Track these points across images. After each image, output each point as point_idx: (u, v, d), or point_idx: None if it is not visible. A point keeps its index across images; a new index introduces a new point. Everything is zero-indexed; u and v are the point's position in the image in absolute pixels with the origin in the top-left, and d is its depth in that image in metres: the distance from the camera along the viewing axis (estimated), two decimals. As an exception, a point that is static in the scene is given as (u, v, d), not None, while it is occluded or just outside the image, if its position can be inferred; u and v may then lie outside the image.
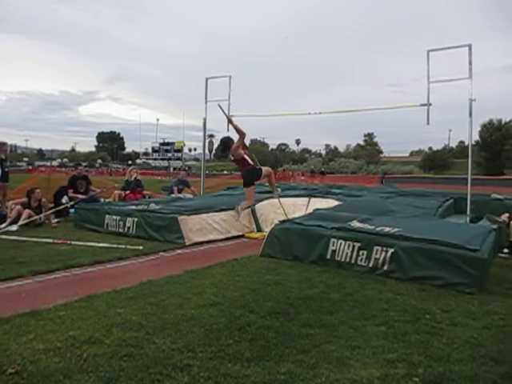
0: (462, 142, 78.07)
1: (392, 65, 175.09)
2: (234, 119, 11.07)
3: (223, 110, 7.27)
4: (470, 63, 8.17)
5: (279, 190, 9.34)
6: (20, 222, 7.97)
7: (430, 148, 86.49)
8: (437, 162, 69.17)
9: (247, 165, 7.34)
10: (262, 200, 8.98)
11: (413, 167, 69.63)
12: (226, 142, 7.50)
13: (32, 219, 8.22)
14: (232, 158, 7.46)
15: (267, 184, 8.74)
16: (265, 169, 7.57)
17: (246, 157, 7.34)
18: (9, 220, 8.00)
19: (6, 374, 2.40)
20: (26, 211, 8.22)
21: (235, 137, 7.26)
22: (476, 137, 59.95)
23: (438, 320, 3.43)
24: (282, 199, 8.70)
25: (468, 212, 8.48)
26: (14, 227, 7.76)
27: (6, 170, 9.53)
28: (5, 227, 7.70)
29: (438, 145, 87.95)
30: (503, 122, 62.19)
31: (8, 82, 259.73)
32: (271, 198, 8.95)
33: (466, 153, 9.00)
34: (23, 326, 3.13)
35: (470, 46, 8.19)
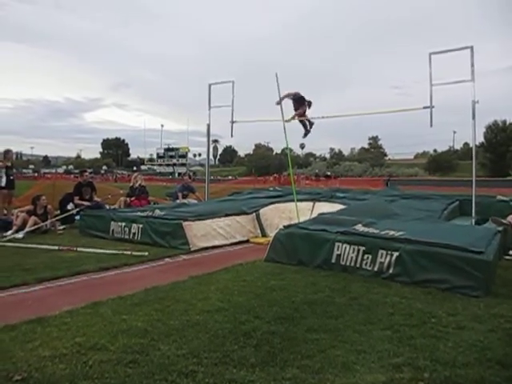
0: (466, 144, 77.73)
1: (395, 67, 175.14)
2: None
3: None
4: (473, 65, 8.13)
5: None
6: (26, 230, 8.01)
7: (435, 150, 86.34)
8: (442, 164, 68.99)
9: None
10: (266, 205, 8.99)
11: (418, 169, 69.40)
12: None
13: (38, 226, 8.27)
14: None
15: (271, 188, 8.90)
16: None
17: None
18: (15, 227, 8.05)
19: (13, 381, 2.41)
20: (32, 218, 8.26)
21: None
22: (481, 138, 59.80)
23: (443, 324, 3.41)
24: (286, 203, 8.72)
25: (473, 214, 8.44)
26: (20, 234, 7.80)
27: (12, 177, 9.61)
28: (11, 234, 7.75)
29: (443, 147, 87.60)
30: (508, 123, 61.92)
31: (14, 90, 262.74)
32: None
33: (471, 154, 8.95)
34: (29, 332, 3.14)
35: (471, 48, 8.16)
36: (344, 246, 5.24)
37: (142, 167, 77.80)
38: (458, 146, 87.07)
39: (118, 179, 52.37)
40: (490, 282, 4.40)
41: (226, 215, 7.83)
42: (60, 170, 76.40)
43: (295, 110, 9.45)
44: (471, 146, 9.68)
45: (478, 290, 4.20)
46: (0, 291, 4.39)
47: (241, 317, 3.49)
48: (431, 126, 8.66)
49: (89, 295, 4.19)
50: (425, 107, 8.70)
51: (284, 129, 8.96)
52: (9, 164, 9.60)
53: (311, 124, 9.92)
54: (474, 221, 8.24)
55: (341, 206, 8.96)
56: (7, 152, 9.82)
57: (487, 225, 7.18)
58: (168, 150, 64.35)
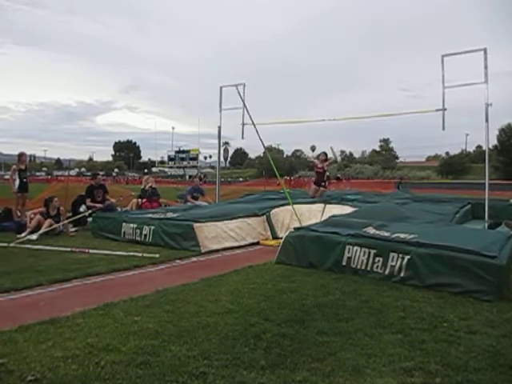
0: (479, 147, 76.81)
1: (405, 69, 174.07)
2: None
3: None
4: (486, 67, 8.04)
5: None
6: (40, 231, 8.10)
7: (447, 153, 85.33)
8: (454, 166, 68.23)
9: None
10: (277, 207, 8.99)
11: (430, 172, 68.74)
12: None
13: (51, 228, 8.35)
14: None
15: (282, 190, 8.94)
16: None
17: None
18: (28, 229, 8.15)
19: (26, 382, 2.44)
20: (48, 221, 8.35)
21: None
22: (494, 141, 58.99)
23: (455, 328, 3.38)
24: (297, 206, 8.71)
25: (486, 218, 8.35)
26: (34, 236, 7.89)
27: (25, 180, 9.73)
28: (24, 236, 7.84)
29: (455, 149, 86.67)
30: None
31: (27, 93, 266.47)
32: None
33: (484, 157, 8.86)
34: (42, 333, 3.18)
35: (485, 50, 8.06)
36: (355, 248, 5.22)
37: (153, 169, 78.40)
38: (471, 149, 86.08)
39: (129, 181, 52.72)
40: (503, 287, 4.35)
41: (237, 217, 7.85)
42: (72, 173, 77.15)
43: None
44: (484, 148, 9.58)
45: (491, 295, 4.15)
46: (14, 292, 4.45)
47: (251, 319, 3.50)
48: (443, 129, 8.62)
49: (101, 297, 4.23)
50: (437, 110, 8.66)
51: (257, 132, 8.75)
52: (22, 167, 9.73)
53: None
54: (486, 224, 8.15)
55: (352, 209, 8.92)
56: (21, 155, 9.95)
57: (500, 229, 7.10)
58: (179, 152, 64.74)
